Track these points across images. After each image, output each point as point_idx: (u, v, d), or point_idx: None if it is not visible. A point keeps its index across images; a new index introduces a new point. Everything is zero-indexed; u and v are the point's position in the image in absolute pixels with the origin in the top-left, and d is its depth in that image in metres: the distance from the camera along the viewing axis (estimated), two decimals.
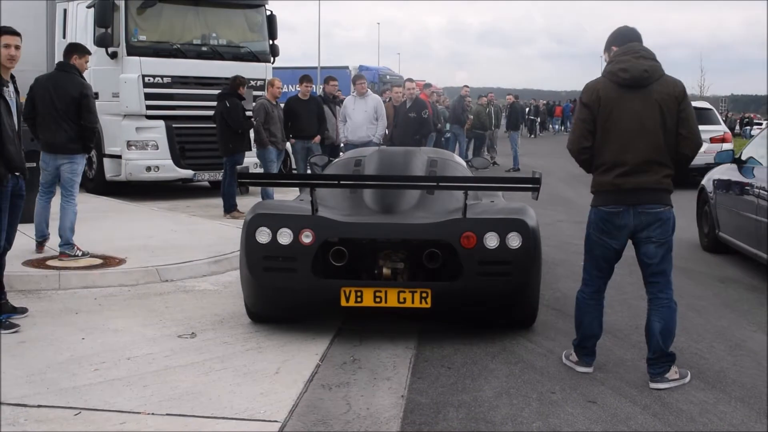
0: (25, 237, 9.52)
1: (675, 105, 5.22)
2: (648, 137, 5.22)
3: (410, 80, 14.96)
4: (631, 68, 5.25)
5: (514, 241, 6.06)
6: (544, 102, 55.24)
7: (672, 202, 5.38)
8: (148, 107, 13.99)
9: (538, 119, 43.83)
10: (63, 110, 8.45)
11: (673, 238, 5.44)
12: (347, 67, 43.39)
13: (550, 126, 51.25)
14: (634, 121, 5.23)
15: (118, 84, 13.96)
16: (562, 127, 53.69)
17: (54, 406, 4.81)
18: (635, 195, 5.28)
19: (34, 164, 9.19)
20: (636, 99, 5.24)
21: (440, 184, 6.50)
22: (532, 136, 42.95)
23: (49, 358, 5.69)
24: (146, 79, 13.89)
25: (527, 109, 41.33)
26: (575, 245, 10.54)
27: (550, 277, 8.24)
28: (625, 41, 5.43)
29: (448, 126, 22.15)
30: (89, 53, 8.85)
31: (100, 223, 10.91)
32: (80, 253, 8.55)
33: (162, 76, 14.07)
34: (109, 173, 14.27)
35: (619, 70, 5.28)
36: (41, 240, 8.83)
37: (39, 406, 4.81)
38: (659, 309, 5.40)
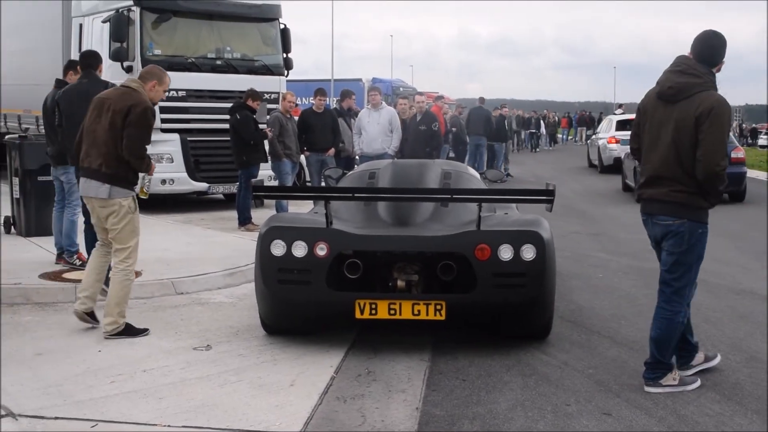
0: (41, 250, 9.62)
1: (692, 125, 5.14)
2: (660, 152, 5.29)
3: (420, 94, 14.99)
4: (662, 82, 5.36)
5: (529, 253, 6.07)
6: (557, 114, 54.82)
7: (695, 216, 5.27)
8: (163, 120, 14.04)
9: (537, 131, 42.57)
10: (51, 124, 8.74)
11: (693, 256, 5.34)
12: (360, 80, 43.45)
13: (557, 138, 50.69)
14: (654, 134, 5.35)
15: None
16: (573, 138, 53.47)
17: (71, 418, 4.85)
18: (650, 205, 5.43)
19: (49, 177, 9.35)
20: (663, 113, 5.32)
21: (454, 196, 6.52)
22: (517, 149, 38.94)
23: (66, 370, 5.73)
24: None
25: (517, 121, 39.36)
26: (591, 257, 10.56)
27: (564, 290, 8.24)
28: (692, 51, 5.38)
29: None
30: None
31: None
32: (79, 263, 8.65)
33: (177, 90, 14.13)
34: None
35: (658, 81, 5.42)
36: (60, 252, 8.93)
37: (56, 417, 4.85)
38: (659, 319, 5.48)
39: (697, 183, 5.19)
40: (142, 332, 6.68)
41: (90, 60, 8.27)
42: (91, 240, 7.90)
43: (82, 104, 7.62)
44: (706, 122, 5.09)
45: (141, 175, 6.80)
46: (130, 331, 6.62)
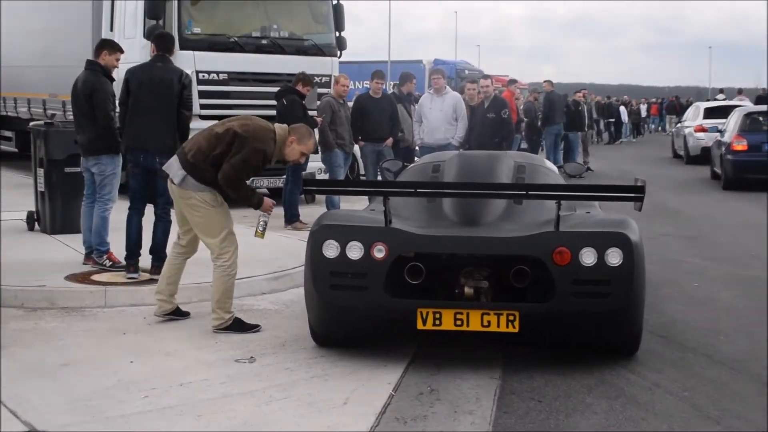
0: (67, 249, 9.75)
1: None
2: None
3: (486, 77, 14.90)
4: None
5: (614, 257, 5.99)
6: (645, 100, 54.04)
7: None
8: (202, 106, 14.12)
9: (617, 119, 41.85)
10: (81, 109, 8.94)
11: None
12: (421, 61, 43.49)
13: (645, 126, 50.00)
14: None
15: None
16: (660, 128, 52.76)
17: None
18: None
19: (78, 169, 9.48)
20: None
21: (530, 192, 6.47)
22: (598, 141, 38.70)
23: (95, 383, 5.78)
24: (200, 75, 14.05)
25: (597, 108, 38.84)
26: (684, 263, 10.42)
27: (655, 300, 8.11)
28: None
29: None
30: (120, 50, 9.07)
31: (147, 233, 11.05)
32: (108, 264, 8.77)
33: (218, 73, 14.24)
34: None
35: None
36: (89, 251, 9.03)
37: None
38: None
39: None
40: (252, 328, 7.08)
41: (167, 43, 8.83)
42: (135, 236, 8.48)
43: (153, 88, 8.43)
44: None
45: (257, 212, 7.28)
46: (239, 327, 7.04)
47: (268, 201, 7.18)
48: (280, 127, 7.08)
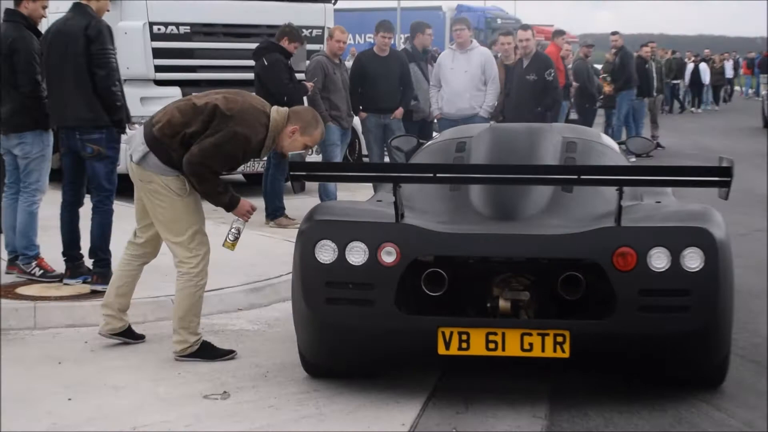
0: None
1: None
2: None
3: (525, 27, 14.87)
4: None
5: (693, 260, 5.99)
6: (724, 57, 53.72)
7: None
8: (158, 68, 14.14)
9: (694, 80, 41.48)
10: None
11: None
12: (440, 8, 43.42)
13: (728, 90, 49.75)
14: None
15: (115, 36, 14.15)
16: (751, 90, 52.54)
17: None
18: None
19: None
20: None
21: (583, 176, 6.45)
22: (668, 108, 38.28)
23: (22, 427, 5.80)
24: (155, 28, 14.03)
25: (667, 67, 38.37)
26: None
27: (745, 315, 8.11)
28: None
29: None
30: None
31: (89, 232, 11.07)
32: (39, 272, 8.80)
33: (177, 25, 14.21)
34: None
35: None
36: (13, 256, 9.02)
37: None
38: None
39: None
40: (225, 354, 7.14)
41: None
42: (67, 234, 8.56)
43: (61, 48, 8.42)
44: None
45: (232, 217, 7.14)
46: (208, 353, 7.08)
47: (245, 203, 7.08)
48: (277, 111, 6.96)
